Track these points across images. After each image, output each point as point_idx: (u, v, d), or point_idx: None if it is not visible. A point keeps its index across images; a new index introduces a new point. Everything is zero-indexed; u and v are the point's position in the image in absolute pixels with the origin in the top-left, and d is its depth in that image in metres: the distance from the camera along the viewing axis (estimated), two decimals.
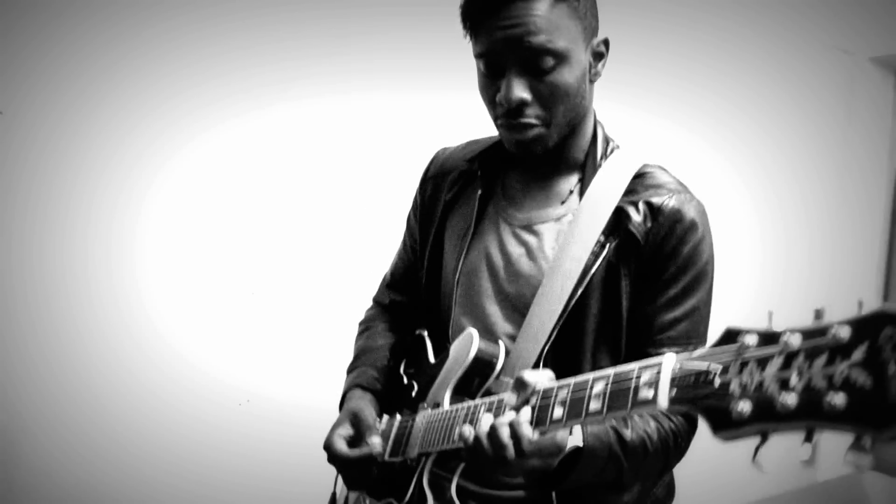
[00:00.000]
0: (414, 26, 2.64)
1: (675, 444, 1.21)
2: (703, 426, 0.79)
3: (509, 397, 1.06)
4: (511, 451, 0.99)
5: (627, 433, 1.14)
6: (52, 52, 2.05)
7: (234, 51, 2.35)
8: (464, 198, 1.43)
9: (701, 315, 1.26)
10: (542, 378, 1.03)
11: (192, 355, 2.34)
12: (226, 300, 2.41)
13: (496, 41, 1.18)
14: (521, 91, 1.19)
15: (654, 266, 1.22)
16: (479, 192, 1.39)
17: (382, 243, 2.63)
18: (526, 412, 1.00)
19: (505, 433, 1.00)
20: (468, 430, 1.05)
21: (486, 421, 1.04)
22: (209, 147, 2.34)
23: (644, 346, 1.23)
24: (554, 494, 1.20)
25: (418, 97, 2.66)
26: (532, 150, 1.26)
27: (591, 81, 1.28)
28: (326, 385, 2.49)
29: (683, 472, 1.33)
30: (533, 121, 1.22)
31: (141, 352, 2.24)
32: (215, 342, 2.39)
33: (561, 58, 1.18)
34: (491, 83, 1.24)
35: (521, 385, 1.04)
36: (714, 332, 0.83)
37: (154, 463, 2.28)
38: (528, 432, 0.99)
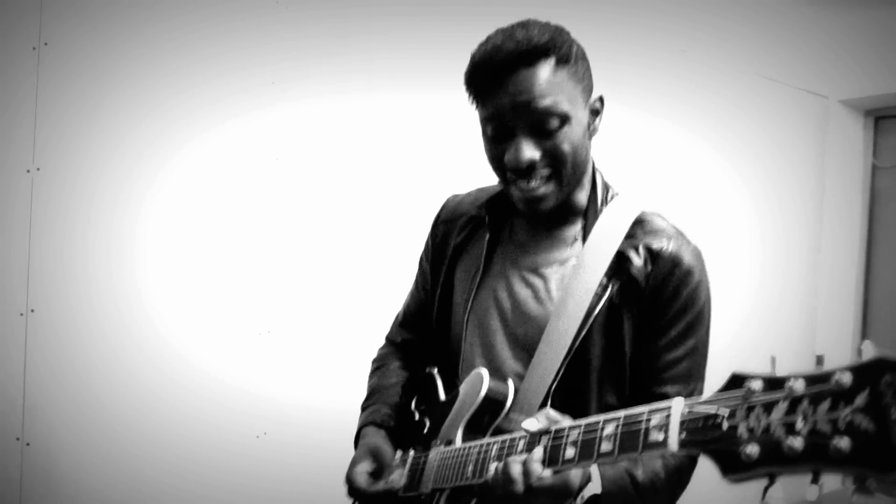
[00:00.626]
0: (414, 26, 2.65)
1: (679, 480, 1.27)
2: (704, 464, 0.81)
3: (529, 422, 1.10)
4: (520, 486, 1.04)
5: (640, 475, 1.20)
6: (52, 52, 2.05)
7: (234, 51, 2.35)
8: (473, 241, 1.50)
9: (700, 355, 1.33)
10: (563, 419, 1.08)
11: (192, 355, 2.34)
12: (226, 300, 2.41)
13: (503, 107, 1.25)
14: (530, 152, 1.25)
15: (654, 308, 1.28)
16: (488, 236, 1.45)
17: (382, 242, 2.65)
18: (538, 451, 1.05)
19: (517, 470, 1.04)
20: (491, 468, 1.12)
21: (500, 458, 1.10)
22: (209, 147, 2.34)
23: (647, 385, 1.30)
24: None
25: (418, 97, 2.67)
26: (544, 206, 1.31)
27: (590, 137, 1.35)
28: (327, 384, 2.51)
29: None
30: (543, 177, 1.28)
31: (141, 352, 2.24)
32: (215, 342, 2.39)
33: (565, 119, 1.24)
34: (498, 146, 1.30)
35: (545, 418, 1.10)
36: (716, 365, 0.85)
37: (154, 463, 2.28)
38: (538, 469, 1.03)
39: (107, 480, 2.20)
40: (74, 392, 2.14)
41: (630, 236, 1.31)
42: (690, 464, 1.28)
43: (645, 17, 3.49)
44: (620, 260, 1.29)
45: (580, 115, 1.28)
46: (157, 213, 2.26)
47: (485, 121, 1.30)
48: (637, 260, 1.29)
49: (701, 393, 1.30)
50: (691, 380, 1.30)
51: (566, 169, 1.28)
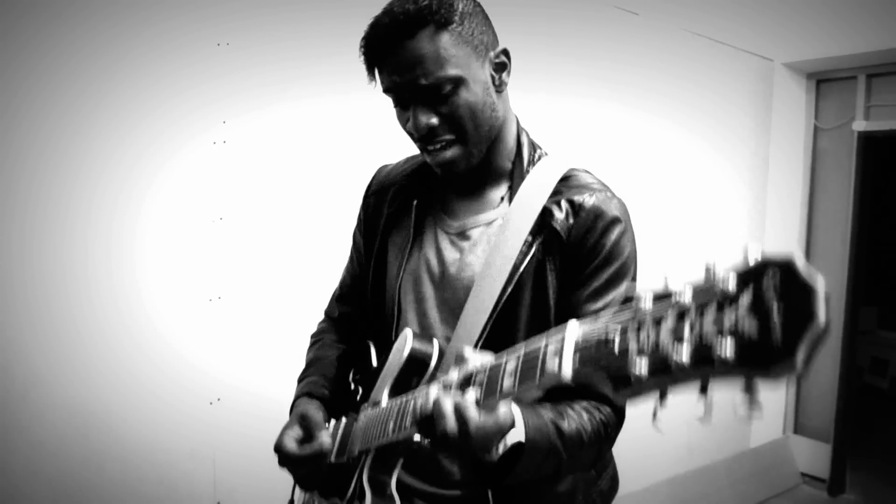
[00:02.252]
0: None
1: (606, 434, 1.26)
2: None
3: (451, 372, 1.09)
4: (453, 424, 1.02)
5: (565, 425, 1.19)
6: (52, 52, 2.04)
7: (235, 51, 2.35)
8: (404, 211, 1.49)
9: None
10: (483, 358, 1.06)
11: (192, 355, 2.34)
12: (226, 300, 2.41)
13: (393, 81, 1.26)
14: (425, 119, 1.26)
15: (576, 260, 1.28)
16: (415, 202, 1.46)
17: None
18: (472, 394, 1.02)
19: (448, 406, 1.03)
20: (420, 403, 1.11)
21: (431, 395, 1.08)
22: (209, 147, 2.34)
23: None
24: (489, 491, 1.25)
25: None
26: (456, 169, 1.32)
27: (499, 92, 1.33)
28: (280, 351, 2.48)
29: (616, 446, 1.37)
30: (446, 140, 1.28)
31: (141, 352, 2.24)
32: (215, 342, 2.40)
33: (456, 82, 1.24)
34: (402, 114, 1.32)
35: (460, 360, 1.08)
36: None
37: (154, 463, 2.28)
38: (475, 415, 1.01)
39: (106, 479, 2.20)
40: (74, 392, 2.14)
41: (555, 192, 1.32)
42: (618, 419, 1.28)
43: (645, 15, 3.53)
44: (544, 216, 1.29)
45: (475, 74, 1.27)
46: (156, 212, 2.26)
47: (385, 92, 1.31)
48: (559, 214, 1.29)
49: None
50: None
51: (468, 130, 1.28)
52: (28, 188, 2.04)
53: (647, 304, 0.73)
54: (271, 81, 2.43)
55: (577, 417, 1.21)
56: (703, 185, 4.16)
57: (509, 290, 1.27)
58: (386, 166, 1.65)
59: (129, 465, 2.24)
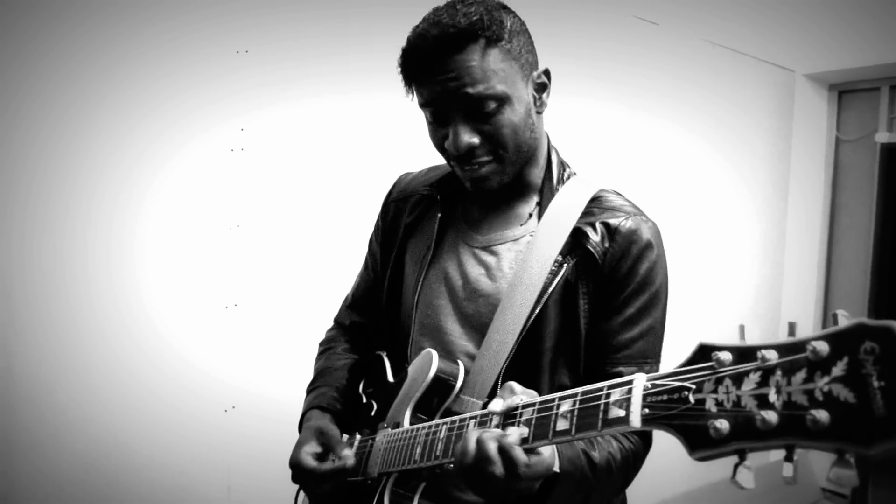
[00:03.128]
0: (414, 27, 2.64)
1: (634, 463, 1.25)
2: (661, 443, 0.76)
3: (495, 403, 1.06)
4: (500, 468, 0.98)
5: (596, 455, 1.16)
6: (52, 52, 2.05)
7: (235, 51, 2.35)
8: (424, 221, 1.47)
9: (657, 335, 1.30)
10: (529, 396, 1.04)
11: (192, 355, 2.33)
12: (226, 300, 2.40)
13: (436, 94, 1.22)
14: (468, 137, 1.23)
15: (611, 285, 1.25)
16: (439, 215, 1.42)
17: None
18: (515, 434, 0.99)
19: (492, 448, 0.99)
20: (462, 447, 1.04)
21: (472, 437, 1.02)
22: (209, 147, 2.34)
23: (602, 364, 1.26)
24: None
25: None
26: (489, 186, 1.29)
27: (539, 113, 1.31)
28: (294, 358, 2.47)
29: None
30: (484, 160, 1.25)
31: (141, 352, 2.23)
32: (216, 342, 2.39)
33: (502, 100, 1.21)
34: (438, 130, 1.28)
35: (506, 393, 1.06)
36: (680, 336, 0.80)
37: (155, 463, 2.27)
38: (522, 457, 0.97)
39: (106, 479, 2.19)
40: (73, 391, 2.13)
41: (587, 213, 1.29)
42: (645, 447, 1.27)
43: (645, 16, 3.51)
44: (577, 236, 1.27)
45: (520, 94, 1.24)
46: (156, 212, 2.26)
47: (422, 107, 1.28)
48: (594, 236, 1.26)
49: None
50: (647, 360, 1.27)
51: (508, 150, 1.25)
52: (28, 188, 2.04)
53: (725, 359, 0.71)
54: (271, 81, 2.43)
55: (607, 445, 1.19)
56: (722, 197, 4.12)
57: (538, 310, 1.24)
58: (408, 174, 1.61)
59: (143, 473, 2.23)
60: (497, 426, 1.03)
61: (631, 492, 1.40)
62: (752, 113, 4.25)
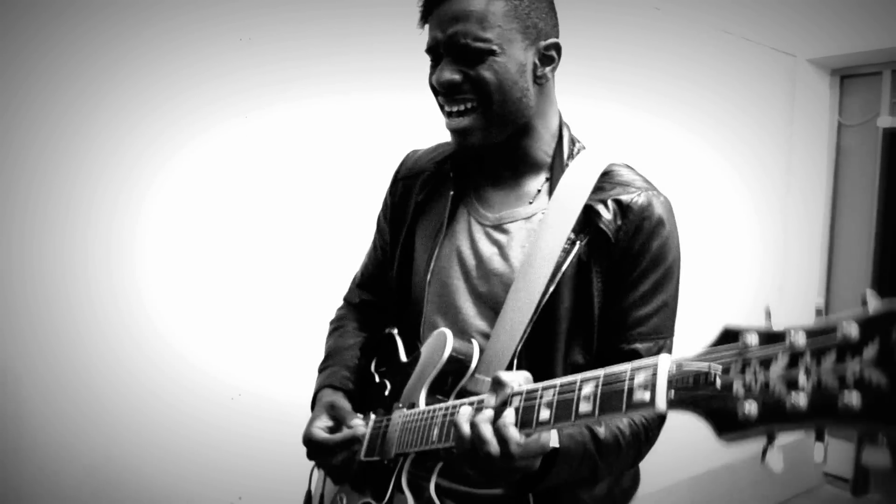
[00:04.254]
0: (414, 26, 2.61)
1: (646, 437, 1.24)
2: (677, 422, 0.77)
3: (488, 398, 1.06)
4: (495, 447, 0.99)
5: (601, 431, 1.16)
6: (52, 52, 2.04)
7: (235, 51, 2.34)
8: (435, 198, 1.46)
9: (670, 310, 1.29)
10: (518, 378, 1.04)
11: (192, 355, 2.33)
12: (226, 300, 2.41)
13: (435, 34, 1.26)
14: (450, 73, 1.25)
15: (624, 262, 1.25)
16: (452, 192, 1.42)
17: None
18: (510, 414, 1.00)
19: (487, 430, 1.00)
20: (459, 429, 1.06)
21: (465, 417, 1.04)
22: (209, 147, 2.34)
23: (615, 341, 1.26)
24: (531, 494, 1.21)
25: (418, 97, 2.63)
26: (471, 140, 1.29)
27: (537, 83, 1.31)
28: (301, 344, 2.49)
29: None
30: (468, 106, 1.27)
31: (141, 352, 2.24)
32: (216, 342, 2.39)
33: (491, 50, 1.23)
34: (432, 74, 1.31)
35: (497, 384, 1.05)
36: (685, 318, 0.80)
37: (154, 463, 2.28)
38: (515, 435, 0.99)
39: (106, 479, 2.20)
40: (73, 391, 2.14)
41: (598, 189, 1.29)
42: (660, 420, 1.26)
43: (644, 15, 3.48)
44: (588, 214, 1.26)
45: (515, 53, 1.25)
46: (156, 212, 2.26)
47: (426, 52, 1.32)
48: (606, 213, 1.26)
49: (670, 350, 1.27)
50: (660, 336, 1.27)
51: (493, 101, 1.25)
52: (28, 188, 2.04)
53: (753, 342, 0.72)
54: (271, 81, 2.42)
55: (616, 421, 1.19)
56: (724, 182, 4.10)
57: (551, 289, 1.24)
58: (416, 152, 1.62)
59: (143, 473, 2.24)
60: (517, 409, 1.02)
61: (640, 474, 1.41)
62: (754, 98, 4.23)
